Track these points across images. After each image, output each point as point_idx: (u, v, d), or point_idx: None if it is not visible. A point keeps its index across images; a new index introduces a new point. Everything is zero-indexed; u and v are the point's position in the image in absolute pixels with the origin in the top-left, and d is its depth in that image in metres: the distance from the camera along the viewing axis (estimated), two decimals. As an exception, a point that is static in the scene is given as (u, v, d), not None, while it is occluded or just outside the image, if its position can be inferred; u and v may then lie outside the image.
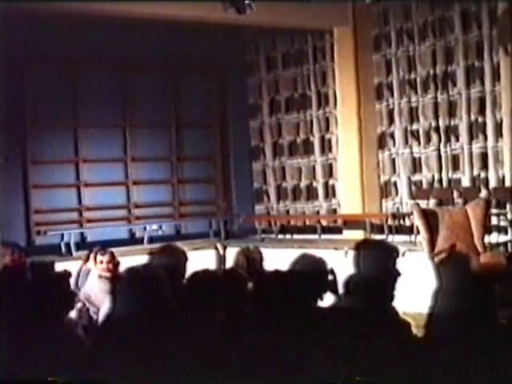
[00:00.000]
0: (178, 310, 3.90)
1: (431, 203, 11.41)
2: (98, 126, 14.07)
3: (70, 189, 13.94)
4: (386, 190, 13.41)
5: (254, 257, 6.48)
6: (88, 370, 3.62)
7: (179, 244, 6.81)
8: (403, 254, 8.97)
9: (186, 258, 5.62)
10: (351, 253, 4.89)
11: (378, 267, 4.08)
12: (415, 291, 7.28)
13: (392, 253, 4.29)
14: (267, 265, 6.38)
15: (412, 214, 11.22)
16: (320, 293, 4.03)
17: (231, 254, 7.17)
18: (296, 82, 14.59)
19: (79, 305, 6.21)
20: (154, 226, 13.72)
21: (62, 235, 12.94)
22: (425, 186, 12.77)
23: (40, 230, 13.28)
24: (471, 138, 12.21)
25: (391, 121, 13.23)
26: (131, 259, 7.38)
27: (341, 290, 4.19)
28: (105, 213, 14.06)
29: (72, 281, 5.89)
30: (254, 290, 4.05)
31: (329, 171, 14.20)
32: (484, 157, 12.10)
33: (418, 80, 12.80)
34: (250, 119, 15.30)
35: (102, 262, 7.37)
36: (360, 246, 4.21)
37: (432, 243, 9.77)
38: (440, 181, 12.63)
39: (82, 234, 13.49)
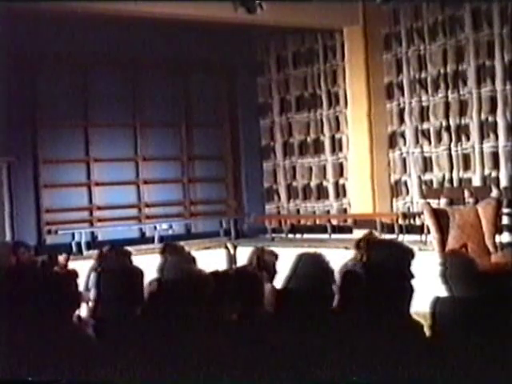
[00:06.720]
0: (192, 309, 3.91)
1: (442, 203, 11.36)
2: (109, 125, 14.11)
3: (81, 188, 13.98)
4: (397, 189, 13.39)
5: (268, 257, 6.46)
6: (98, 369, 3.63)
7: (189, 243, 6.81)
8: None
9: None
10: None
11: (393, 268, 4.07)
12: (426, 291, 7.24)
13: (407, 254, 4.28)
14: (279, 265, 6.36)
15: (423, 213, 11.19)
16: (325, 292, 4.03)
17: (241, 254, 7.16)
18: (306, 81, 14.58)
19: (90, 304, 6.21)
20: (165, 226, 13.75)
21: (73, 234, 13.00)
22: (435, 185, 12.74)
23: (51, 229, 13.33)
24: (482, 137, 12.18)
25: (402, 120, 13.20)
26: (142, 258, 7.41)
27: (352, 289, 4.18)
28: (115, 212, 14.09)
29: (79, 280, 5.88)
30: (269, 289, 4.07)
31: (339, 170, 14.19)
32: (495, 156, 12.06)
33: (429, 79, 12.77)
34: (260, 119, 15.31)
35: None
36: (375, 247, 4.20)
37: (443, 243, 9.71)
38: (451, 180, 12.60)
39: (92, 233, 13.53)
